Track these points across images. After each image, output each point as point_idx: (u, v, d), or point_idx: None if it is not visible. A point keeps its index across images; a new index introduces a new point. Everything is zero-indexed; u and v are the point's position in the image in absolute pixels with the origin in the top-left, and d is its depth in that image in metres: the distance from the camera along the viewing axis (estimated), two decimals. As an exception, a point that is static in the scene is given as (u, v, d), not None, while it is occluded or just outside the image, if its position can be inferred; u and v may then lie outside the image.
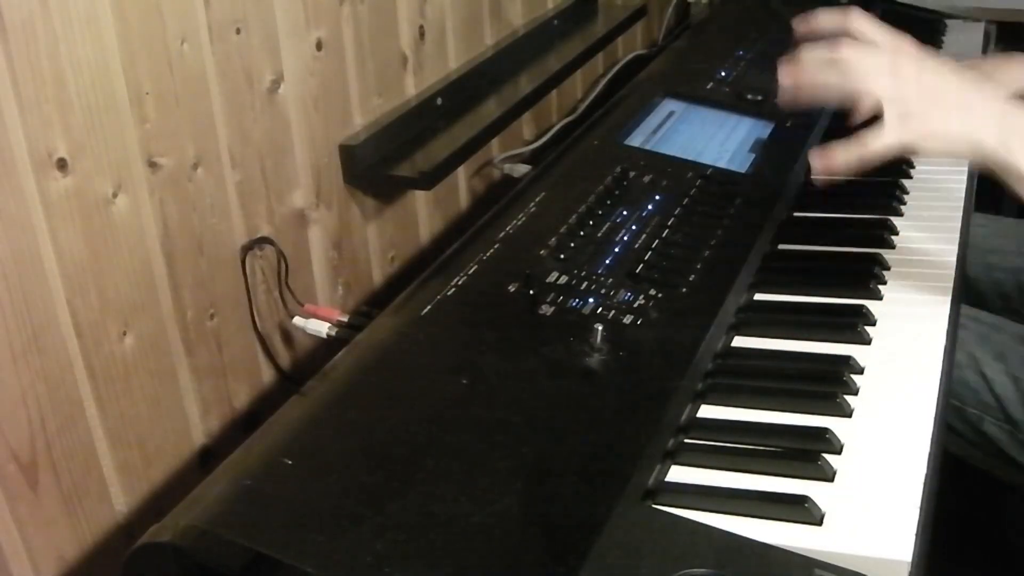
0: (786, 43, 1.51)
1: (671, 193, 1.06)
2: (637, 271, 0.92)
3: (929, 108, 0.82)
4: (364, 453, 0.69)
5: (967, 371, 1.04)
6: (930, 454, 0.73)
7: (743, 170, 1.14)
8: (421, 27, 1.22)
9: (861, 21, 0.87)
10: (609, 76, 1.67)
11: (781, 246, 1.04)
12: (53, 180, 0.76)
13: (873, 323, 0.89)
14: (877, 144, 0.81)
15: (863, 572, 0.61)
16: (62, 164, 0.76)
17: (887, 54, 0.86)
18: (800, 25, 0.87)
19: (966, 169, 1.17)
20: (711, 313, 0.86)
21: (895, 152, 0.82)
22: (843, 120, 1.34)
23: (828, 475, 0.71)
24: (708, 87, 1.37)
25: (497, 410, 0.73)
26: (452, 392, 0.75)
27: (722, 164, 1.14)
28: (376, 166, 1.12)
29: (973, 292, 1.26)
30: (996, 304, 1.24)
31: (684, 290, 0.89)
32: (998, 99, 0.84)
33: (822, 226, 1.09)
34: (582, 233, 0.97)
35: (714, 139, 1.21)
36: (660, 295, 0.88)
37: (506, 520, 0.63)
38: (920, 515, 0.67)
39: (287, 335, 1.05)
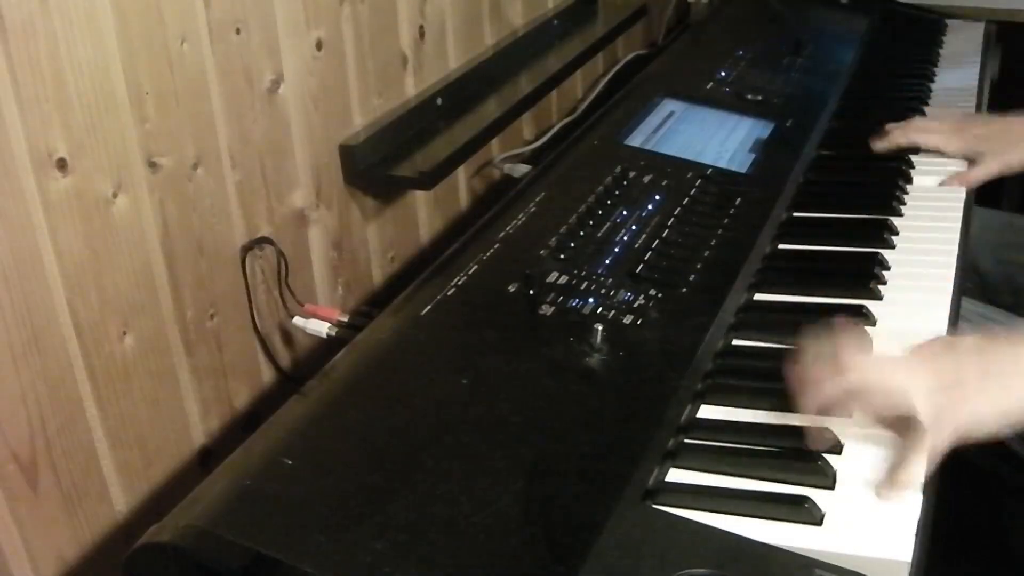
0: (786, 44, 1.52)
1: (671, 193, 1.06)
2: (637, 271, 0.92)
3: (959, 405, 0.72)
4: (364, 453, 0.69)
5: None
6: (930, 454, 0.73)
7: (743, 170, 1.14)
8: (421, 27, 1.22)
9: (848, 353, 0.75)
10: (609, 76, 1.67)
11: (781, 246, 1.04)
12: (53, 180, 0.76)
13: (873, 323, 0.89)
14: (922, 456, 0.70)
15: (863, 572, 0.61)
16: (62, 164, 0.76)
17: (895, 365, 0.76)
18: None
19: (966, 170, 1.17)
20: (711, 313, 0.86)
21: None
22: (843, 122, 1.34)
23: (828, 476, 0.71)
24: (708, 87, 1.37)
25: (497, 410, 0.73)
26: (452, 392, 0.75)
27: (722, 164, 1.14)
28: (376, 166, 1.11)
29: (985, 286, 1.26)
30: (1007, 300, 1.24)
31: (684, 290, 0.89)
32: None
33: (822, 226, 1.09)
34: (582, 233, 0.97)
35: (714, 139, 1.21)
36: (660, 295, 0.88)
37: (506, 520, 0.63)
38: (920, 515, 0.67)
39: (287, 335, 1.05)
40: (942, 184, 1.12)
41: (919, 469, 0.69)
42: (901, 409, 0.72)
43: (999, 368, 0.74)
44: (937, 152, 1.19)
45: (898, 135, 1.18)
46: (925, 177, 1.17)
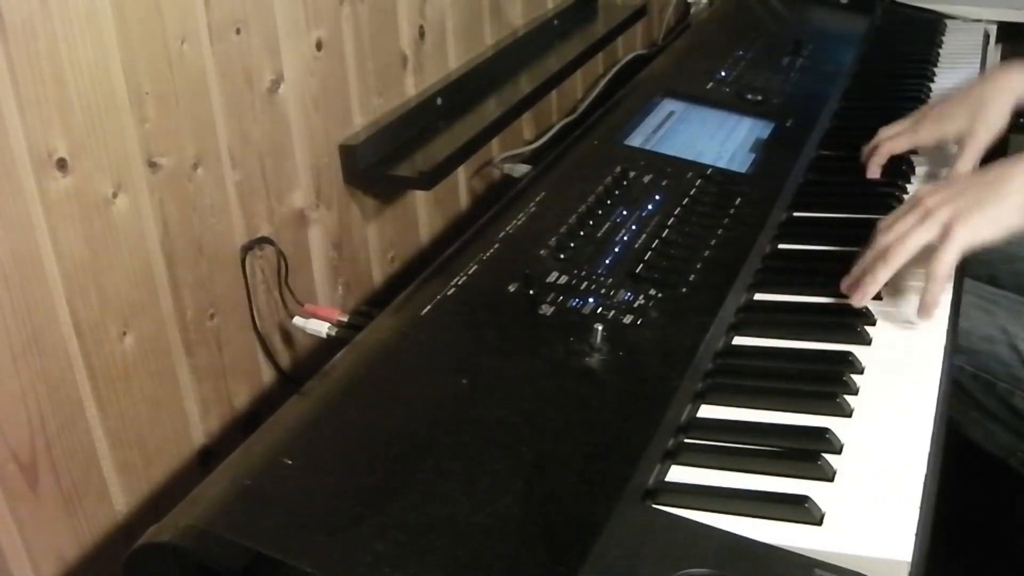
0: (785, 43, 1.52)
1: (671, 193, 1.06)
2: (637, 271, 0.92)
3: (963, 213, 0.88)
4: (364, 453, 0.69)
5: (1000, 345, 1.05)
6: (930, 454, 0.73)
7: (743, 170, 1.14)
8: (421, 27, 1.22)
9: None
10: (609, 76, 1.67)
11: (781, 246, 1.04)
12: (53, 180, 0.76)
13: (873, 323, 0.89)
14: (944, 268, 0.87)
15: (863, 572, 0.61)
16: (62, 164, 0.76)
17: (907, 210, 0.92)
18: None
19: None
20: (711, 313, 0.86)
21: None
22: (843, 121, 1.35)
23: (828, 475, 0.71)
24: (708, 87, 1.37)
25: (497, 410, 0.73)
26: (452, 392, 0.75)
27: (722, 164, 1.14)
28: (376, 166, 1.11)
29: (989, 277, 1.25)
30: (1010, 282, 1.24)
31: (684, 290, 0.89)
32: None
33: (822, 226, 1.09)
34: (582, 233, 0.97)
35: (714, 139, 1.21)
36: (660, 295, 0.88)
37: (506, 520, 0.63)
38: (920, 515, 0.67)
39: (287, 335, 1.05)
40: None
41: (939, 290, 0.86)
42: (918, 249, 0.88)
43: (993, 179, 0.90)
44: (915, 151, 1.17)
45: (876, 160, 1.16)
46: (925, 177, 1.17)
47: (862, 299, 0.89)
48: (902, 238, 0.89)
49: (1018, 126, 1.14)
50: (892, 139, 1.16)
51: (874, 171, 1.15)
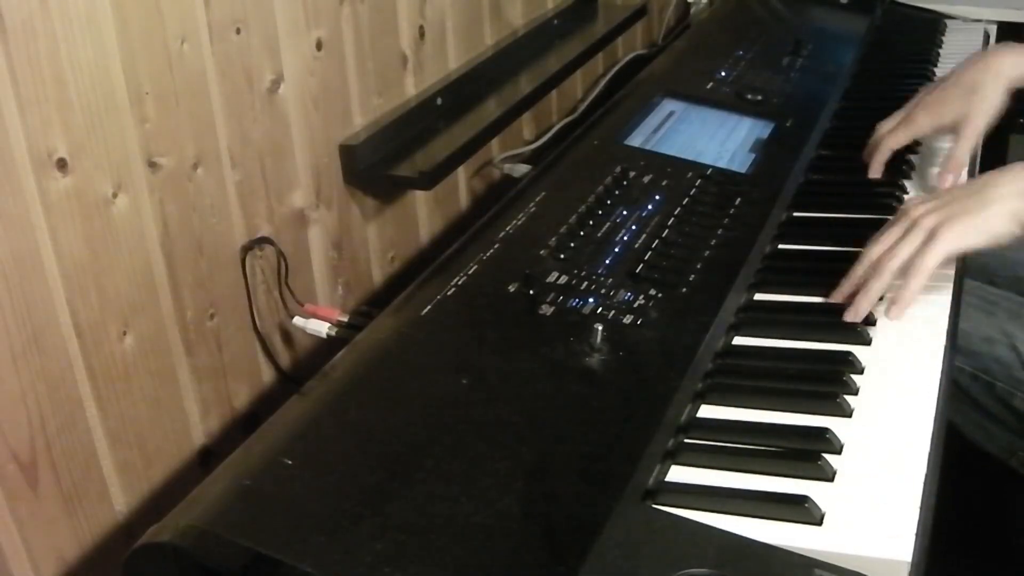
0: (785, 43, 1.52)
1: (671, 193, 1.06)
2: (637, 271, 0.92)
3: (949, 220, 0.89)
4: (364, 453, 0.69)
5: (1000, 347, 1.05)
6: (930, 454, 0.73)
7: (743, 170, 1.14)
8: (421, 27, 1.22)
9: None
10: (609, 76, 1.67)
11: (781, 246, 1.04)
12: (53, 180, 0.76)
13: (873, 323, 0.89)
14: (921, 269, 0.88)
15: (863, 572, 0.61)
16: (62, 164, 0.76)
17: (894, 223, 0.93)
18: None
19: (965, 171, 1.16)
20: (711, 313, 0.87)
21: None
22: (843, 121, 1.35)
23: (828, 475, 0.71)
24: (708, 87, 1.37)
25: (497, 410, 0.73)
26: (452, 392, 0.75)
27: (722, 164, 1.14)
28: (376, 166, 1.11)
29: (984, 274, 1.25)
30: (1010, 289, 1.24)
31: (684, 290, 0.89)
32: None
33: (822, 226, 1.09)
34: (582, 233, 0.97)
35: (714, 139, 1.22)
36: (660, 295, 0.88)
37: (506, 520, 0.63)
38: (920, 515, 0.67)
39: (287, 335, 1.05)
40: (941, 176, 1.10)
41: (914, 290, 0.87)
42: (907, 259, 0.88)
43: (979, 188, 0.91)
44: (916, 143, 1.17)
45: (879, 158, 1.15)
46: (925, 176, 1.17)
47: (856, 316, 0.88)
48: (890, 250, 0.90)
49: (1018, 127, 1.14)
50: (891, 134, 1.15)
51: (876, 170, 1.15)
